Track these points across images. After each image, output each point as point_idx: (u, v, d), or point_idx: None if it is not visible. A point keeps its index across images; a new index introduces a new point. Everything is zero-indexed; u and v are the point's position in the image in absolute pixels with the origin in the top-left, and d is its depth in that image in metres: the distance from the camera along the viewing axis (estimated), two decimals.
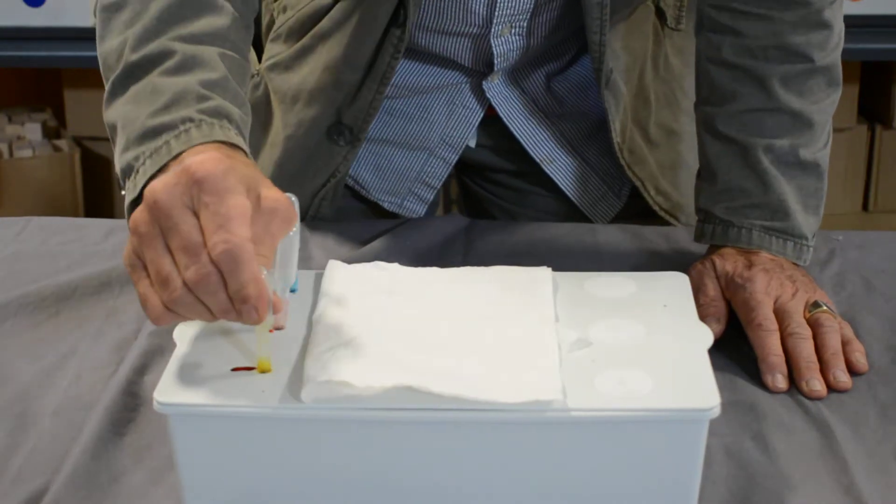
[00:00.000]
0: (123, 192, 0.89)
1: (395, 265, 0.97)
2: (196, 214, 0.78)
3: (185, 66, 0.90)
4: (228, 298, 0.78)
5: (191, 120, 0.86)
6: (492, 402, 0.78)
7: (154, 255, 0.79)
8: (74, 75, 2.73)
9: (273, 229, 0.81)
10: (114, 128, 0.92)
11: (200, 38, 0.93)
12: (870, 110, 2.85)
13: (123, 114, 0.91)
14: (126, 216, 0.87)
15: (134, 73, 0.92)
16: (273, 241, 0.81)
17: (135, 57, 0.92)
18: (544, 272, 0.96)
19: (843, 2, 1.13)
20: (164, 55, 0.91)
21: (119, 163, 0.89)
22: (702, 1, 1.14)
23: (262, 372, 0.83)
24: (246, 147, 0.88)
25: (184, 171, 0.79)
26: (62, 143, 2.79)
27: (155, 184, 0.80)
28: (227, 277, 0.77)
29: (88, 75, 2.70)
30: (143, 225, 0.79)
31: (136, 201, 0.85)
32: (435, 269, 0.97)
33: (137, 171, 0.86)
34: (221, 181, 0.79)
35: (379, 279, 0.95)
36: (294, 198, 0.93)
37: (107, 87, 0.94)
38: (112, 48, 0.94)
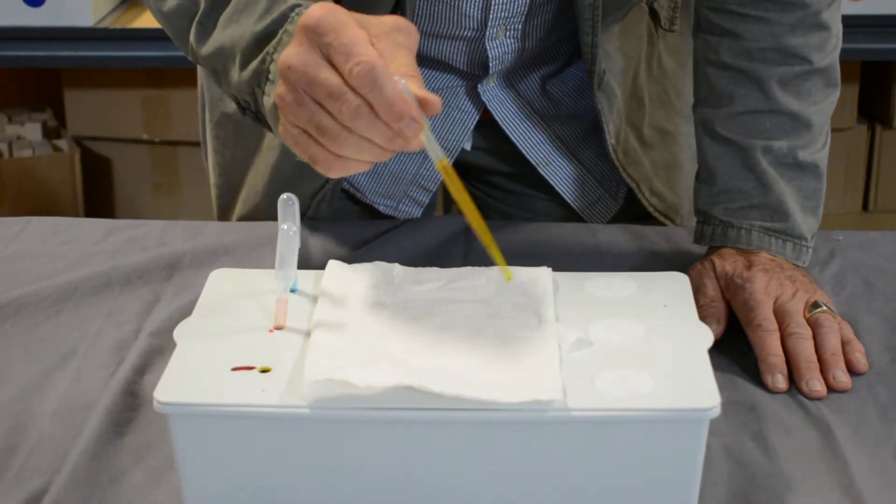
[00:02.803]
0: (248, 110, 0.95)
1: (396, 265, 0.97)
2: (328, 60, 0.81)
3: None
4: (385, 125, 0.80)
5: (298, 5, 0.91)
6: (492, 402, 0.78)
7: (307, 114, 0.82)
8: (74, 75, 2.73)
9: (401, 40, 0.83)
10: (219, 54, 0.97)
11: None
12: (870, 110, 2.84)
13: (226, 37, 0.96)
14: (272, 121, 0.90)
15: (218, 2, 0.97)
16: (407, 53, 0.83)
17: None
18: (544, 272, 0.96)
19: (840, 3, 1.13)
20: None
21: (241, 80, 0.94)
22: (699, 3, 1.14)
23: (263, 372, 0.83)
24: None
25: (300, 30, 0.82)
26: (62, 143, 2.79)
27: (282, 56, 0.83)
28: (372, 99, 0.79)
29: (88, 75, 2.70)
30: (286, 95, 0.83)
31: None
32: (435, 269, 0.97)
33: (269, 71, 0.90)
34: (333, 18, 0.82)
35: (379, 279, 0.95)
36: (294, 198, 0.93)
37: (192, 29, 0.99)
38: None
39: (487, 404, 0.78)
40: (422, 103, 0.81)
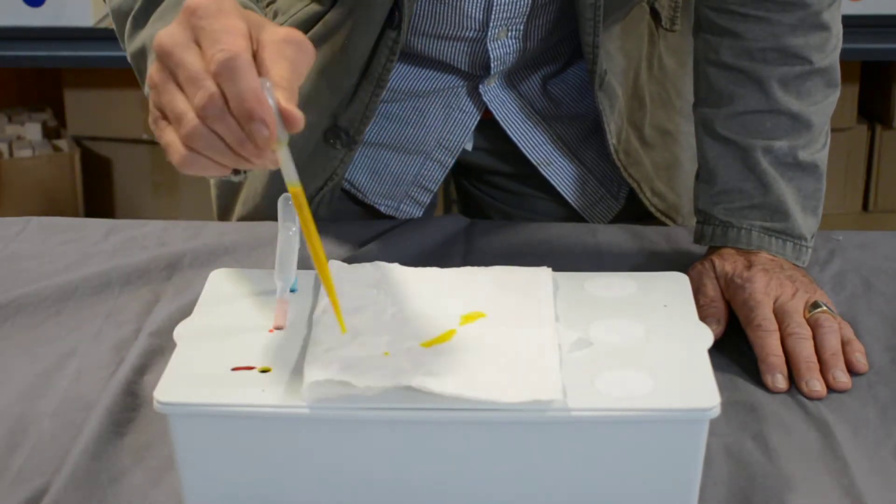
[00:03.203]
0: None
1: (395, 265, 0.97)
2: (198, 44, 0.78)
3: None
4: (237, 124, 0.77)
5: None
6: (492, 402, 0.78)
7: (168, 97, 0.79)
8: (74, 75, 2.73)
9: (288, 53, 0.79)
10: (142, 52, 0.95)
11: None
12: (870, 110, 2.85)
13: (148, 35, 0.94)
14: None
15: (152, 1, 0.95)
16: (290, 66, 0.79)
17: None
18: (544, 272, 0.96)
19: (841, 3, 1.13)
20: None
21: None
22: (699, 2, 1.14)
23: (263, 372, 0.83)
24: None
25: (182, 11, 0.79)
26: (62, 143, 2.79)
27: (158, 34, 0.80)
28: (227, 90, 0.76)
29: (88, 75, 2.71)
30: (154, 75, 0.80)
31: None
32: (434, 269, 0.97)
33: None
34: (215, 5, 0.79)
35: (379, 279, 0.95)
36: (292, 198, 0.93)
37: (126, 26, 0.98)
38: None
39: (487, 404, 0.78)
40: (284, 116, 0.77)
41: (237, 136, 0.77)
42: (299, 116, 0.78)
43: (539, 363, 0.83)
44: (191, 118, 0.77)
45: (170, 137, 0.79)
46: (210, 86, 0.76)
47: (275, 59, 0.78)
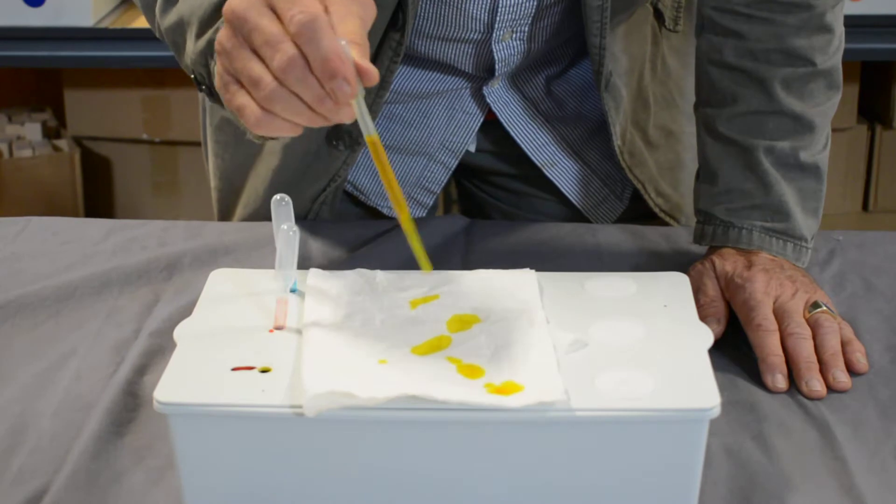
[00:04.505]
0: (204, 84, 0.93)
1: (378, 272, 0.96)
2: (272, 9, 0.79)
3: None
4: (318, 82, 0.78)
5: None
6: (497, 406, 0.78)
7: (242, 62, 0.80)
8: (74, 75, 2.73)
9: (355, 10, 0.81)
10: (179, 25, 0.96)
11: None
12: (870, 110, 2.84)
13: (187, 6, 0.95)
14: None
15: None
16: (360, 21, 0.81)
17: None
18: (528, 274, 0.96)
19: (843, 5, 1.13)
20: None
21: (196, 49, 0.92)
22: (703, 3, 1.14)
23: (263, 372, 0.83)
24: None
25: None
26: (62, 143, 2.79)
27: (228, 0, 0.81)
28: (308, 51, 0.77)
29: (88, 75, 2.70)
30: (226, 40, 0.81)
31: None
32: (418, 274, 0.96)
33: None
34: None
35: (363, 286, 0.94)
36: (287, 198, 0.93)
37: (158, 2, 0.99)
38: None
39: (493, 408, 0.78)
40: (360, 72, 0.79)
41: (317, 95, 0.79)
42: (375, 71, 0.79)
43: (537, 365, 0.83)
44: (269, 81, 0.79)
45: (243, 101, 0.81)
46: (289, 48, 0.78)
47: (343, 17, 0.80)
